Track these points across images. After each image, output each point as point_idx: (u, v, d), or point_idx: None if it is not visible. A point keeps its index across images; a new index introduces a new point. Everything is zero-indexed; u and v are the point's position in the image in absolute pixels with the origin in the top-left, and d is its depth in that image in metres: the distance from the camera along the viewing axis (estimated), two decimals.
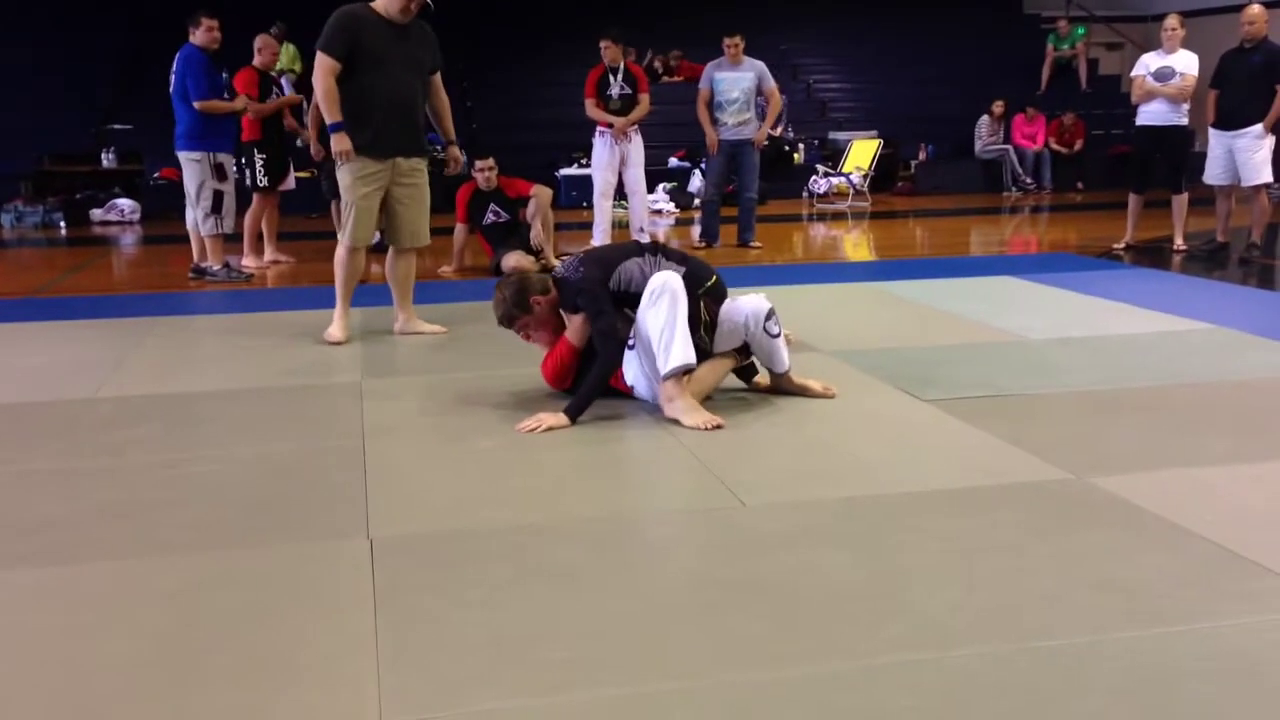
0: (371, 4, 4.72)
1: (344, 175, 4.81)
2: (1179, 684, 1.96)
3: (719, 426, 3.50)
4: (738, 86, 8.26)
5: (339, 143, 4.70)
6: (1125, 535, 2.63)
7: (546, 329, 3.88)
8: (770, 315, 3.78)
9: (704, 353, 3.73)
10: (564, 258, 7.20)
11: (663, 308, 3.57)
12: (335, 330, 4.97)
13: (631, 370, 3.76)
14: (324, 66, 4.65)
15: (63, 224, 10.94)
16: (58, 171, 11.92)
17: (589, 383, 3.63)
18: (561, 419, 3.55)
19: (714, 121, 8.32)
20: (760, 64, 8.37)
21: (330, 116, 4.70)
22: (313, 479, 3.15)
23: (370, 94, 4.69)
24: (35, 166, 11.87)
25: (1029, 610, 2.24)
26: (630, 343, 3.71)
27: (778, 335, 3.81)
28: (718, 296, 3.85)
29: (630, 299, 3.71)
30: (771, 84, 8.40)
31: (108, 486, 3.10)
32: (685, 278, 3.69)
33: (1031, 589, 2.34)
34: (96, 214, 11.34)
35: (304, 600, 2.35)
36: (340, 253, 4.98)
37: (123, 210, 11.36)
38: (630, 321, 3.73)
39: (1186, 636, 2.12)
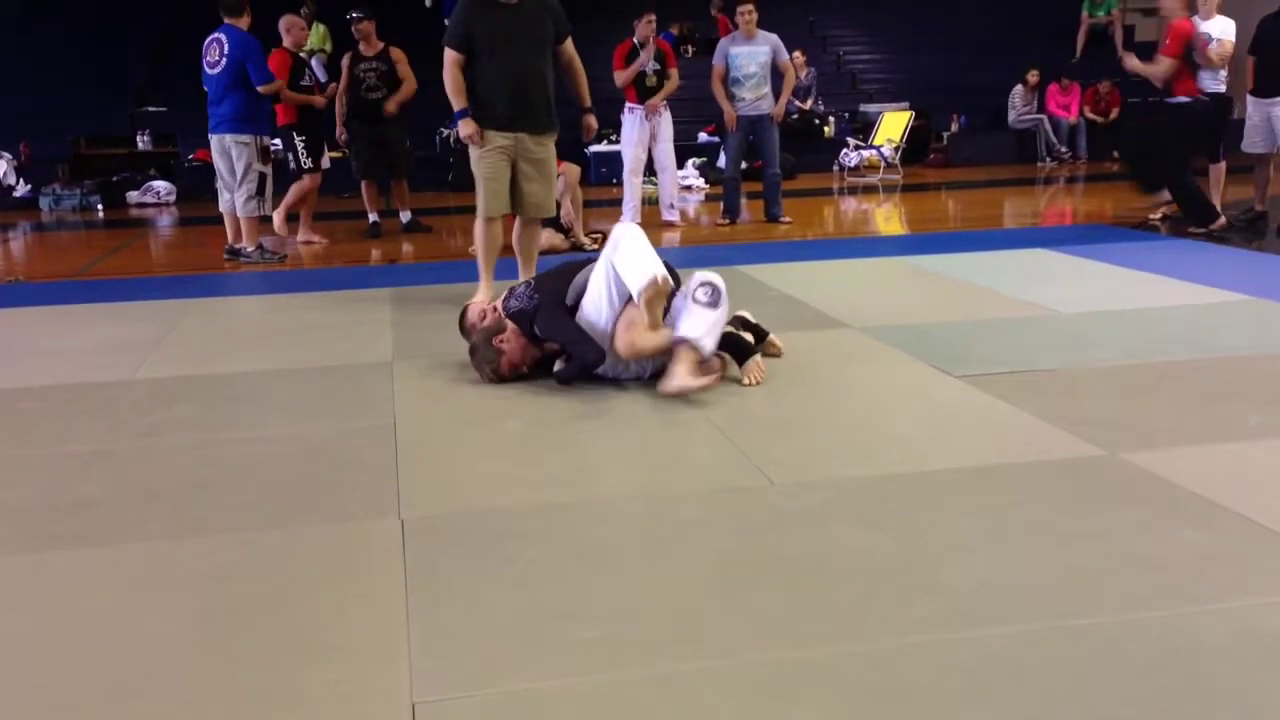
0: None
1: (472, 152, 5.05)
2: (1212, 663, 1.94)
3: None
4: (754, 61, 8.16)
5: (464, 128, 4.98)
6: (1159, 512, 2.61)
7: (524, 351, 3.92)
8: (704, 284, 3.70)
9: None
10: (593, 235, 7.21)
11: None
12: (479, 297, 5.20)
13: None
14: (447, 59, 4.96)
15: (100, 206, 11.07)
16: (94, 155, 12.07)
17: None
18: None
19: (731, 97, 8.25)
20: (774, 37, 8.23)
21: (456, 104, 4.98)
22: (345, 459, 3.18)
23: (491, 76, 4.90)
24: (72, 150, 12.01)
25: (1060, 589, 2.23)
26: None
27: (705, 303, 3.68)
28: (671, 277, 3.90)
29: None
30: (786, 57, 8.29)
31: (144, 468, 3.15)
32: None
33: (1063, 567, 2.33)
34: (133, 196, 11.47)
35: (336, 580, 2.38)
36: (477, 224, 5.19)
37: (158, 192, 11.49)
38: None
39: (1220, 615, 2.11)
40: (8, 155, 11.30)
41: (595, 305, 3.80)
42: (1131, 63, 7.39)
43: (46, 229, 9.91)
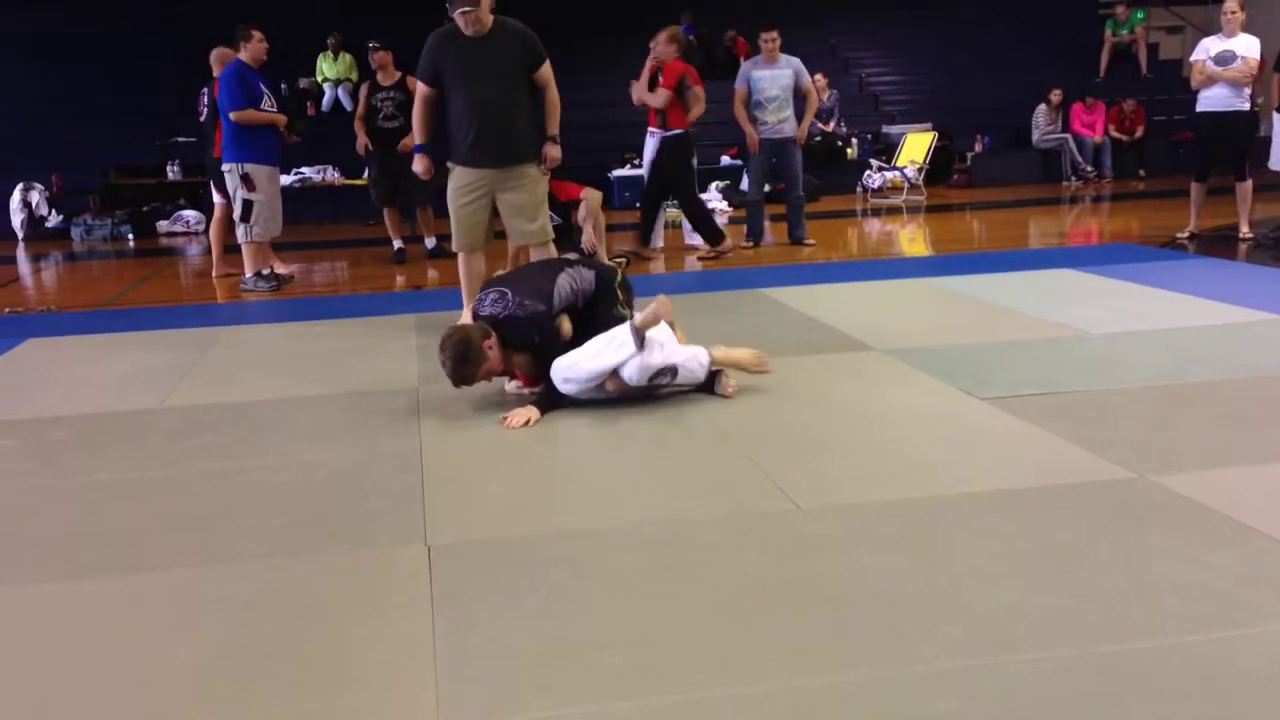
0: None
1: (449, 187, 5.13)
2: (1246, 690, 1.91)
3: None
4: (776, 84, 8.19)
5: (417, 164, 5.18)
6: (1190, 535, 2.58)
7: (501, 365, 3.94)
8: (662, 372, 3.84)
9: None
10: (617, 259, 7.23)
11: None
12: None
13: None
14: (418, 92, 5.10)
15: (130, 236, 11.21)
16: (125, 185, 12.22)
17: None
18: (534, 411, 3.77)
19: (754, 120, 8.28)
20: (796, 60, 8.27)
21: (415, 138, 5.16)
22: (370, 486, 3.19)
23: (459, 109, 4.97)
24: (103, 180, 12.18)
25: (1090, 614, 2.21)
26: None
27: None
28: (626, 287, 4.26)
29: (576, 308, 4.05)
30: (808, 80, 8.33)
31: (172, 496, 3.18)
32: (599, 275, 4.16)
33: (1093, 592, 2.31)
34: (163, 225, 11.60)
35: (362, 607, 2.39)
36: (459, 258, 5.31)
37: (188, 221, 11.61)
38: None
39: (1254, 640, 2.08)
40: (40, 186, 11.45)
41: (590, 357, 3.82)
42: (641, 94, 7.87)
43: (78, 258, 10.04)
